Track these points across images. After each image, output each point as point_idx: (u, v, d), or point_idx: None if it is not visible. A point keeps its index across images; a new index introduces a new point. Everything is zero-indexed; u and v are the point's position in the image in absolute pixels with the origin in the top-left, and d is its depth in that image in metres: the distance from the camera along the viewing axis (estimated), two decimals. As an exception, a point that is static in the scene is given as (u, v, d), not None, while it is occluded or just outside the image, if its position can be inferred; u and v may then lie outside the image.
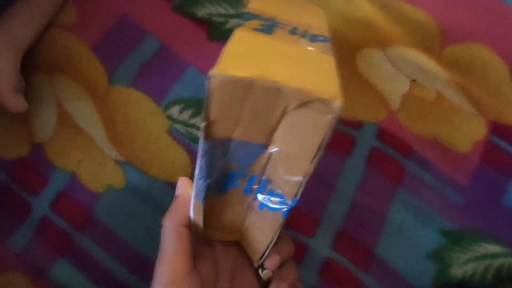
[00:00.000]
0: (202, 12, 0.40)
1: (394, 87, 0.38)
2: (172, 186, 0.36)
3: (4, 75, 0.34)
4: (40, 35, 0.39)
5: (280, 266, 0.25)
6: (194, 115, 0.37)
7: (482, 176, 0.36)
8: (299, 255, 0.35)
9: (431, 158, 0.36)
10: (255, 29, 0.24)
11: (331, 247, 0.35)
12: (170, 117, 0.37)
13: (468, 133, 0.37)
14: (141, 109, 0.37)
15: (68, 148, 0.37)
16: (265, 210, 0.23)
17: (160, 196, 0.36)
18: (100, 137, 0.37)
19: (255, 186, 0.23)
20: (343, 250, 0.35)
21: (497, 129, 0.37)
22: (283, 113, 0.19)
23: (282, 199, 0.22)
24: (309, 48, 0.22)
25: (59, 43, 0.39)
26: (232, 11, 0.40)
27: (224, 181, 0.23)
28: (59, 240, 0.35)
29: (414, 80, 0.38)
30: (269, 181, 0.22)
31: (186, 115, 0.37)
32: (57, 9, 0.40)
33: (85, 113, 0.37)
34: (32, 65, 0.39)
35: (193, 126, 0.37)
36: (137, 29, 0.40)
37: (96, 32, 0.40)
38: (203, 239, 0.26)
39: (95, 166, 0.36)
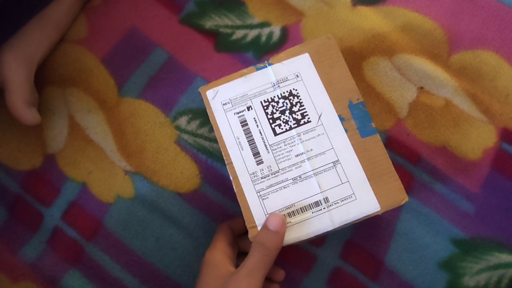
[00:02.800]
0: (209, 23, 0.41)
1: (402, 95, 0.38)
2: (181, 196, 0.36)
3: (18, 89, 0.35)
4: (53, 49, 0.40)
5: None
6: (201, 125, 0.38)
7: (493, 184, 0.36)
8: (308, 264, 0.35)
9: (440, 166, 0.36)
10: None
11: (340, 257, 0.35)
12: (178, 128, 0.38)
13: (477, 140, 0.36)
14: (149, 120, 0.38)
15: (79, 159, 0.38)
16: None
17: (169, 206, 0.36)
18: (110, 148, 0.38)
19: None
20: (352, 260, 0.35)
21: (507, 136, 0.36)
22: None
23: None
24: None
25: (71, 56, 0.40)
26: (238, 22, 0.41)
27: None
28: (70, 250, 0.36)
29: (421, 87, 0.38)
30: None
31: (193, 125, 0.38)
32: (69, 24, 0.41)
33: (95, 125, 0.38)
34: (45, 78, 0.40)
35: (201, 136, 0.37)
36: (145, 42, 0.40)
37: (106, 45, 0.41)
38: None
39: (105, 176, 0.37)
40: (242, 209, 0.29)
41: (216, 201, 0.36)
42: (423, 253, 0.35)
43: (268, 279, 0.33)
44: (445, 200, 0.35)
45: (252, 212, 0.29)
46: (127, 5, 0.42)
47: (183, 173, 0.37)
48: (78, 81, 0.39)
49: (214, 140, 0.37)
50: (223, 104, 0.31)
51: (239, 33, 0.40)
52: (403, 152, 0.37)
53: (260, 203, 0.29)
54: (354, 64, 0.39)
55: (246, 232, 0.30)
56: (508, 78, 0.38)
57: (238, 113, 0.31)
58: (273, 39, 0.40)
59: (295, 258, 0.35)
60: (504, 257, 0.34)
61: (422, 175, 0.36)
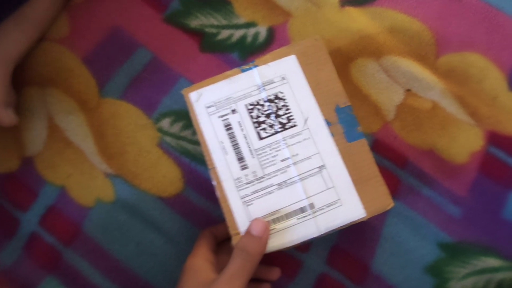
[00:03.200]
0: (194, 23, 0.40)
1: (389, 97, 0.37)
2: (163, 200, 0.35)
3: (-7, 89, 0.33)
4: (32, 48, 0.39)
5: None
6: (185, 127, 0.37)
7: (480, 188, 0.35)
8: (293, 270, 0.34)
9: (427, 170, 0.36)
10: None
11: (326, 262, 0.34)
12: (160, 130, 0.37)
13: (465, 143, 0.36)
14: (131, 122, 0.37)
15: (58, 162, 0.36)
16: None
17: (151, 211, 0.35)
18: (90, 150, 0.36)
19: None
20: (338, 265, 0.34)
21: (494, 139, 0.36)
22: None
23: None
24: None
25: (51, 56, 0.39)
26: (224, 22, 0.40)
27: None
28: (47, 256, 0.34)
29: (409, 90, 0.37)
30: None
31: (177, 127, 0.37)
32: (49, 22, 0.40)
33: (75, 126, 0.37)
34: (24, 78, 0.38)
35: (184, 138, 0.37)
36: (128, 41, 0.39)
37: (88, 44, 0.39)
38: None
39: (85, 179, 0.36)
40: (225, 216, 0.28)
41: (199, 205, 0.35)
42: (409, 257, 0.34)
43: (257, 280, 0.32)
44: (432, 204, 0.35)
45: (236, 218, 0.28)
46: (111, 3, 0.41)
47: (165, 177, 0.36)
48: (58, 82, 0.38)
49: (198, 143, 0.36)
50: (207, 107, 0.31)
51: (224, 33, 0.40)
52: (390, 156, 0.36)
53: (244, 210, 0.28)
54: (341, 66, 0.38)
55: (229, 238, 0.29)
56: (495, 81, 0.37)
57: (222, 116, 0.30)
58: (259, 39, 0.39)
59: (280, 264, 0.34)
60: (491, 262, 0.34)
61: (409, 178, 0.36)
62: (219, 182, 0.29)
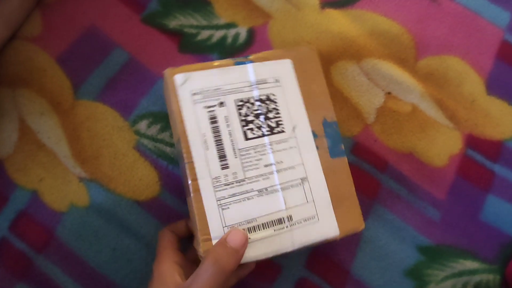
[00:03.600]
0: (173, 23, 0.39)
1: (369, 100, 0.37)
2: (139, 204, 0.34)
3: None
4: (3, 46, 0.37)
5: None
6: (162, 130, 0.36)
7: (458, 191, 0.35)
8: (273, 275, 0.34)
9: (407, 173, 0.36)
10: None
11: (305, 266, 0.34)
12: (137, 132, 0.36)
13: (443, 146, 0.36)
14: (107, 124, 0.36)
15: (29, 165, 0.35)
16: None
17: (126, 215, 0.34)
18: (63, 153, 0.35)
19: None
20: (318, 270, 0.34)
21: (472, 142, 0.36)
22: None
23: None
24: None
25: (23, 55, 0.38)
26: (204, 22, 0.39)
27: None
28: (18, 263, 0.33)
29: (389, 93, 0.37)
30: None
31: (154, 129, 0.36)
32: (21, 20, 0.38)
33: (48, 129, 0.36)
34: (-6, 78, 0.37)
35: (162, 141, 0.36)
36: (105, 41, 0.38)
37: (62, 43, 0.38)
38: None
39: (58, 184, 0.35)
40: (196, 218, 0.26)
41: (176, 209, 0.34)
42: (389, 261, 0.34)
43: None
44: (411, 207, 0.35)
45: (209, 222, 0.26)
46: (86, 2, 0.40)
47: (142, 180, 0.35)
48: (30, 82, 0.37)
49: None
50: (193, 94, 0.27)
51: (204, 34, 0.39)
52: (370, 159, 0.36)
53: (219, 213, 0.26)
54: (322, 68, 0.38)
55: (191, 236, 0.28)
56: (473, 85, 0.38)
57: (208, 107, 0.27)
58: (239, 40, 0.39)
59: (259, 268, 0.33)
60: (468, 264, 0.34)
61: (389, 182, 0.36)
62: (194, 179, 0.26)
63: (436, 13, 0.40)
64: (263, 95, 0.29)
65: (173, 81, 0.27)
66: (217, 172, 0.26)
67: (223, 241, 0.25)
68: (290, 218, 0.27)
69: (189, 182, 0.26)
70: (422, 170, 0.36)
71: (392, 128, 0.37)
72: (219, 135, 0.27)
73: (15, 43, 0.38)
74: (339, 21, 0.39)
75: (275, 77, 0.29)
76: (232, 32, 0.39)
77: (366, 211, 0.35)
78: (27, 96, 0.36)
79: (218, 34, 0.39)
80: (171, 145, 0.36)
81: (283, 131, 0.28)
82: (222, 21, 0.39)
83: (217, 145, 0.27)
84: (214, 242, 0.25)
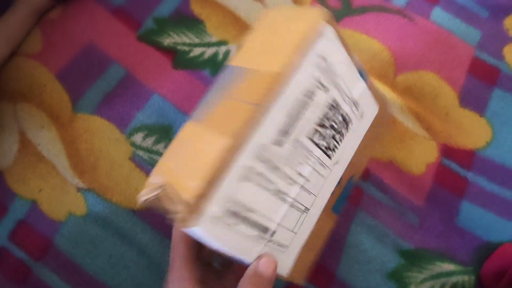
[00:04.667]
0: (167, 41, 0.41)
1: (352, 113, 0.40)
2: (135, 212, 0.36)
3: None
4: (4, 63, 0.39)
5: None
6: (157, 141, 0.38)
7: (435, 197, 0.38)
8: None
9: (387, 181, 0.38)
10: None
11: (293, 270, 0.36)
12: (133, 144, 0.38)
13: (421, 156, 0.39)
14: (104, 136, 0.38)
15: (29, 176, 0.37)
16: None
17: (122, 223, 0.36)
18: (62, 164, 0.37)
19: None
20: (305, 273, 0.36)
21: (447, 152, 0.39)
22: None
23: None
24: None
25: (24, 71, 0.39)
26: (196, 40, 0.42)
27: None
28: (17, 271, 0.34)
29: (370, 106, 0.40)
30: None
31: (149, 141, 0.38)
32: (22, 37, 0.40)
33: (48, 141, 0.37)
34: (-5, 92, 0.39)
35: (157, 152, 0.38)
36: (102, 57, 0.40)
37: (61, 60, 0.40)
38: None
39: (57, 194, 0.36)
40: (210, 162, 0.20)
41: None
42: (372, 264, 0.36)
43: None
44: (392, 213, 0.37)
45: (222, 180, 0.20)
46: (85, 20, 0.42)
47: (137, 190, 0.36)
48: (30, 96, 0.39)
49: (170, 156, 0.38)
50: (318, 56, 0.23)
51: (196, 51, 0.41)
52: (353, 167, 0.38)
53: (236, 179, 0.21)
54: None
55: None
56: (447, 98, 0.40)
57: (318, 81, 0.24)
58: (230, 57, 0.41)
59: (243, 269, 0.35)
60: (445, 266, 0.36)
61: (371, 189, 0.38)
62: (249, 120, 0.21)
63: (413, 31, 0.43)
64: (347, 116, 0.27)
65: (320, 28, 0.23)
66: (270, 140, 0.22)
67: (256, 272, 0.22)
68: (273, 233, 0.24)
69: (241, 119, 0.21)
70: (402, 178, 0.38)
71: (373, 139, 0.39)
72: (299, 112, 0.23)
73: (16, 60, 0.40)
74: (323, 39, 0.42)
75: (363, 110, 0.28)
76: (223, 49, 0.41)
77: (350, 217, 0.37)
78: (28, 110, 0.38)
79: (210, 51, 0.41)
80: (166, 156, 0.38)
81: (330, 158, 0.27)
82: (214, 39, 0.42)
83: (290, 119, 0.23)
84: (210, 205, 0.20)
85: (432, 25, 0.43)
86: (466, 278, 0.36)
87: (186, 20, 0.42)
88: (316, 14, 0.23)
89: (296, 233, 0.26)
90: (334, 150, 0.27)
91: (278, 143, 0.23)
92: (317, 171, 0.26)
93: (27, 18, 0.40)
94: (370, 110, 0.29)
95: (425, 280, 0.36)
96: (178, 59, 0.41)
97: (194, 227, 0.20)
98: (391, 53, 0.42)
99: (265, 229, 0.24)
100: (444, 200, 0.38)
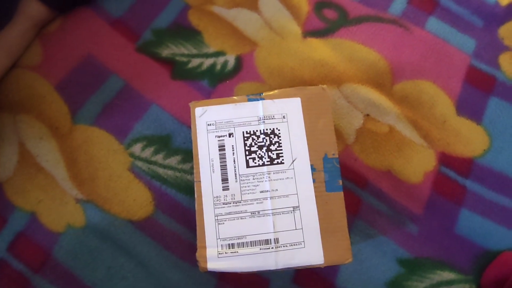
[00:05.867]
0: (165, 52, 0.42)
1: (349, 122, 0.40)
2: (133, 223, 0.36)
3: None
4: (4, 75, 0.39)
5: None
6: (156, 152, 0.38)
7: (434, 206, 0.38)
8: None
9: (385, 190, 0.38)
10: None
11: (293, 281, 0.36)
12: (132, 155, 0.38)
13: (418, 164, 0.39)
14: (103, 147, 0.38)
15: (28, 187, 0.37)
16: None
17: (121, 234, 0.36)
18: (61, 175, 0.37)
19: None
20: (305, 283, 0.36)
21: (445, 160, 0.39)
22: None
23: None
24: None
25: (23, 83, 0.40)
26: (194, 51, 0.42)
27: None
28: (15, 283, 0.34)
29: (367, 115, 0.40)
30: None
31: (148, 152, 0.38)
32: (22, 50, 0.41)
33: (47, 152, 0.38)
34: (-5, 104, 0.39)
35: (155, 163, 0.38)
36: (101, 69, 0.41)
37: (60, 71, 0.40)
38: None
39: (56, 205, 0.36)
40: (197, 227, 0.30)
41: (170, 228, 0.36)
42: (371, 273, 0.36)
43: None
44: (391, 222, 0.37)
45: (206, 233, 0.30)
46: (84, 32, 0.42)
47: (136, 200, 0.36)
48: (30, 108, 0.39)
49: (169, 167, 0.38)
50: (208, 124, 0.32)
51: (195, 62, 0.42)
52: (351, 177, 0.38)
53: (215, 227, 0.30)
54: (331, 107, 0.40)
55: None
56: (444, 106, 0.41)
57: (219, 136, 0.32)
58: (227, 67, 0.41)
59: (247, 282, 0.35)
60: (445, 275, 0.36)
61: (369, 198, 0.38)
62: (199, 196, 0.30)
63: (409, 40, 0.43)
64: (268, 129, 0.32)
65: (194, 112, 0.33)
66: (219, 192, 0.31)
67: None
68: (276, 240, 0.30)
69: (195, 197, 0.31)
70: (400, 187, 0.38)
71: (371, 148, 0.39)
72: (225, 161, 0.31)
73: (16, 72, 0.40)
74: (320, 49, 0.42)
75: (282, 113, 0.33)
76: (221, 59, 0.42)
77: (348, 227, 0.37)
78: (27, 121, 0.38)
79: (208, 62, 0.42)
80: (164, 166, 0.38)
81: (282, 163, 0.31)
82: (212, 49, 0.42)
83: (221, 169, 0.31)
84: (207, 250, 0.29)
85: (427, 34, 0.43)
86: (466, 286, 0.36)
87: (184, 31, 0.43)
88: None
89: (302, 228, 0.30)
90: (279, 156, 0.32)
91: (226, 188, 0.31)
92: (279, 179, 0.31)
93: (27, 31, 0.41)
94: (290, 107, 0.33)
95: (425, 289, 0.36)
96: (176, 70, 0.41)
97: (210, 267, 0.29)
98: (388, 62, 0.42)
99: (266, 242, 0.30)
100: (442, 208, 0.38)
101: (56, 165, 0.37)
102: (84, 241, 0.35)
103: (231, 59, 0.42)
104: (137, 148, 0.38)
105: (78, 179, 0.37)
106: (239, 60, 0.42)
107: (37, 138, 0.38)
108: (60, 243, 0.35)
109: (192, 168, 0.31)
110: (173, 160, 0.38)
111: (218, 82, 0.41)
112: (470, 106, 0.41)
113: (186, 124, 0.39)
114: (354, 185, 0.38)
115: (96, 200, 0.36)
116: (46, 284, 0.34)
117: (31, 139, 0.38)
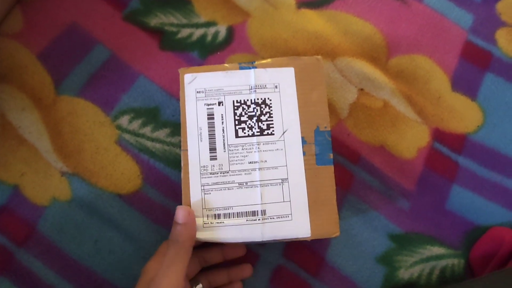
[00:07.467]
0: (154, 21, 0.40)
1: (343, 96, 0.39)
2: (121, 197, 0.35)
3: None
4: (-17, 43, 0.38)
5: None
6: (144, 124, 0.37)
7: (426, 181, 0.38)
8: (251, 263, 0.35)
9: (378, 165, 0.38)
10: None
11: (283, 255, 0.35)
12: (119, 127, 0.37)
13: (412, 139, 0.38)
14: (89, 119, 0.37)
15: (10, 160, 0.35)
16: None
17: (108, 208, 0.35)
18: (45, 148, 0.36)
19: None
20: (295, 257, 0.35)
21: (439, 135, 0.39)
22: None
23: None
24: None
25: (4, 51, 0.38)
26: (184, 20, 0.40)
27: None
28: (-1, 257, 0.33)
29: (361, 89, 0.39)
30: None
31: (135, 125, 0.37)
32: (1, 16, 0.38)
33: (29, 124, 0.36)
34: (-27, 74, 0.37)
35: (143, 136, 0.37)
36: (86, 38, 0.39)
37: (43, 40, 0.39)
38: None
39: (40, 178, 0.35)
40: (182, 197, 0.29)
41: (158, 202, 0.35)
42: (362, 248, 0.36)
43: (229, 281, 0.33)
44: (383, 197, 0.37)
45: (191, 203, 0.29)
46: (68, -1, 0.40)
47: (123, 174, 0.35)
48: (11, 78, 0.37)
49: (157, 140, 0.37)
50: (197, 92, 0.31)
51: (184, 32, 0.40)
52: (344, 152, 0.38)
53: (201, 197, 0.29)
54: (325, 78, 0.39)
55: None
56: (439, 82, 0.40)
57: (208, 105, 0.31)
58: (218, 38, 0.40)
59: (238, 257, 0.35)
60: (435, 250, 0.36)
61: (361, 173, 0.37)
62: (186, 164, 0.30)
63: (406, 14, 0.42)
64: (260, 98, 0.31)
65: (183, 79, 0.31)
66: (206, 162, 0.30)
67: (174, 222, 0.28)
68: (263, 212, 0.29)
69: (182, 165, 0.30)
70: (393, 162, 0.38)
71: (364, 123, 0.38)
72: (213, 130, 0.30)
73: (-5, 40, 0.38)
74: (315, 21, 0.41)
75: (274, 83, 0.32)
76: (212, 30, 0.40)
77: (340, 202, 0.36)
78: (8, 91, 0.37)
79: (198, 32, 0.40)
80: (152, 139, 0.37)
81: (272, 134, 0.31)
82: (202, 19, 0.40)
83: (210, 138, 0.30)
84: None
85: (425, 8, 0.42)
86: (455, 261, 0.36)
87: (174, 0, 0.41)
88: None
89: (290, 201, 0.30)
90: (269, 127, 0.31)
91: (214, 157, 0.30)
92: (268, 150, 0.30)
93: (6, -4, 0.38)
94: (283, 77, 0.32)
95: (415, 263, 0.36)
96: (165, 40, 0.39)
97: (196, 237, 0.28)
98: (384, 36, 0.41)
99: (252, 213, 0.29)
100: (434, 184, 0.38)
101: (40, 137, 0.36)
102: (70, 214, 0.34)
103: (222, 30, 0.40)
104: (124, 121, 0.37)
105: (63, 152, 0.36)
106: (230, 31, 0.40)
107: (19, 109, 0.37)
108: (45, 217, 0.34)
109: (181, 141, 0.30)
110: (162, 133, 0.37)
111: (209, 54, 0.39)
112: (465, 82, 0.40)
113: (175, 96, 0.38)
114: (346, 160, 0.38)
115: (83, 173, 0.35)
116: (30, 257, 0.33)
117: (13, 110, 0.36)
